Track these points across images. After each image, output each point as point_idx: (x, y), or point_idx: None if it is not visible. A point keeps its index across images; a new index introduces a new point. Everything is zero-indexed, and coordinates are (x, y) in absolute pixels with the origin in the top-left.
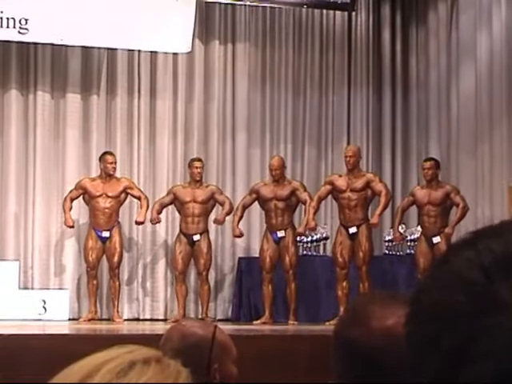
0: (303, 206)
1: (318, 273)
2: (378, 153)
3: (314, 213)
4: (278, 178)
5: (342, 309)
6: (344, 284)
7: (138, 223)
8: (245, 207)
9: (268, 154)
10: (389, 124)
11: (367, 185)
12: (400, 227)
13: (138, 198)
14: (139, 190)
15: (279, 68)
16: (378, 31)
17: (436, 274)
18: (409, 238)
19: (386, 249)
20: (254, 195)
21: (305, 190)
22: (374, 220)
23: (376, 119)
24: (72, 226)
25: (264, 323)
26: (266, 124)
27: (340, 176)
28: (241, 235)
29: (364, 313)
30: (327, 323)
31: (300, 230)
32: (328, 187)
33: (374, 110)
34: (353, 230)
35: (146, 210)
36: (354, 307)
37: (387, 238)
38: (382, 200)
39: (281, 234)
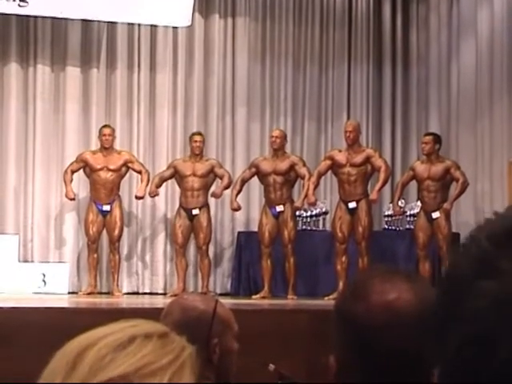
0: (302, 181)
1: (316, 247)
2: (378, 128)
3: (314, 188)
4: (278, 147)
5: (340, 283)
6: (343, 259)
7: (137, 198)
8: (244, 181)
9: (268, 129)
10: (389, 99)
11: (367, 160)
12: (400, 202)
13: (139, 172)
14: (140, 164)
15: (279, 42)
16: (379, 6)
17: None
18: (408, 212)
19: (386, 224)
20: (253, 169)
21: (304, 165)
22: (373, 196)
23: (376, 94)
24: (73, 199)
25: (263, 298)
26: (266, 98)
27: (340, 151)
28: (238, 208)
29: (364, 287)
30: (326, 298)
31: (297, 203)
32: (328, 162)
33: (374, 86)
34: (352, 205)
35: (146, 185)
36: (354, 282)
37: (387, 213)
38: (382, 176)
39: (279, 208)
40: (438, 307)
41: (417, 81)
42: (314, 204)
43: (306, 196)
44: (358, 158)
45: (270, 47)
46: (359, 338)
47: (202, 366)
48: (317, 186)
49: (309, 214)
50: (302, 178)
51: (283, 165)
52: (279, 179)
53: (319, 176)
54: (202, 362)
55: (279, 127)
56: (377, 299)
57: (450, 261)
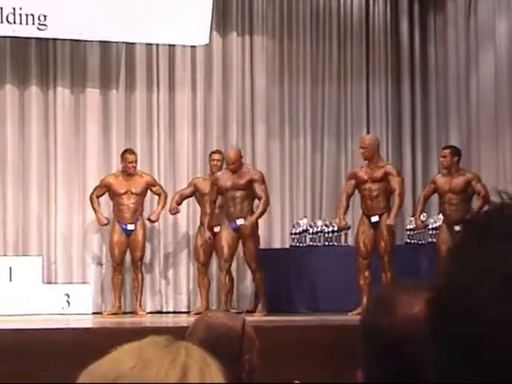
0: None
1: (339, 263)
2: (398, 142)
3: (345, 212)
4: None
5: (364, 299)
6: (366, 274)
7: (150, 221)
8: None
9: (287, 146)
10: (408, 114)
11: (386, 176)
12: (421, 216)
13: (158, 195)
14: (160, 187)
15: (297, 59)
16: (396, 20)
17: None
18: (430, 226)
19: (408, 237)
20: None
21: (262, 183)
22: (390, 221)
23: (395, 109)
24: (106, 224)
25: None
26: (285, 116)
27: (361, 167)
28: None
29: (390, 301)
30: (350, 313)
31: (338, 223)
32: (352, 182)
33: (393, 100)
34: (375, 218)
35: (162, 209)
36: (379, 296)
37: (409, 227)
38: (396, 201)
39: (240, 221)
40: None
41: (436, 94)
42: (344, 227)
43: (338, 220)
44: (378, 174)
45: (288, 64)
46: (386, 352)
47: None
48: (347, 208)
49: (330, 229)
50: (259, 198)
51: (241, 180)
52: (238, 194)
53: (348, 198)
54: (229, 379)
55: (299, 144)
56: (402, 312)
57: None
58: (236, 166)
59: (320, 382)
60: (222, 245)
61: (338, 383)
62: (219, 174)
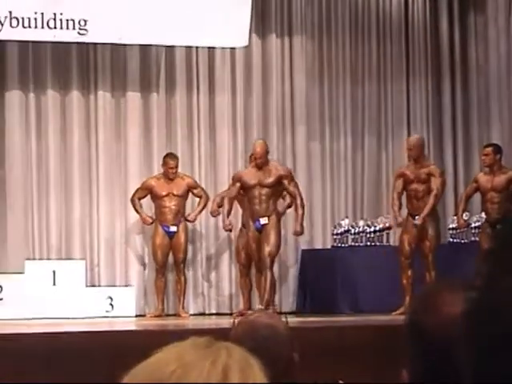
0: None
1: (380, 263)
2: (439, 141)
3: (398, 210)
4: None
5: (407, 298)
6: (409, 273)
7: (188, 221)
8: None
9: (328, 146)
10: (449, 112)
11: (429, 176)
12: (464, 215)
13: (199, 197)
14: (202, 189)
15: (337, 59)
16: (436, 18)
17: (495, 262)
18: (473, 225)
19: (450, 237)
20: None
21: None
22: (418, 221)
23: (436, 108)
24: (152, 223)
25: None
26: (325, 116)
27: (408, 166)
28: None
29: (436, 300)
30: (393, 313)
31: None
32: (401, 181)
33: (433, 99)
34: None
35: (201, 210)
36: (424, 295)
37: (451, 226)
38: (430, 201)
39: (264, 220)
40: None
41: (477, 92)
42: (401, 225)
43: (394, 218)
44: (423, 174)
45: (328, 64)
46: (431, 351)
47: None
48: (400, 206)
49: (372, 229)
50: (292, 196)
51: (268, 178)
52: (264, 191)
53: (399, 196)
54: (271, 378)
55: (339, 145)
56: (447, 311)
57: None
58: (262, 161)
59: (364, 382)
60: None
61: (383, 383)
62: (243, 171)
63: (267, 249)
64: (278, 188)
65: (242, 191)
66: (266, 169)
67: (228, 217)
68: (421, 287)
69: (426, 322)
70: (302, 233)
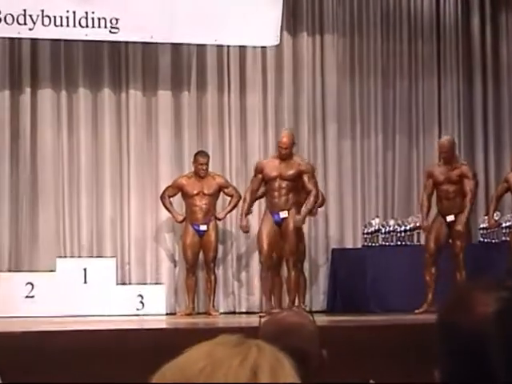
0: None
1: (409, 262)
2: (470, 140)
3: (427, 212)
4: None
5: (429, 295)
6: (432, 270)
7: (218, 219)
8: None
9: (358, 145)
10: (480, 111)
11: (461, 177)
12: (495, 214)
13: (231, 196)
14: (233, 188)
15: (368, 58)
16: (467, 17)
17: None
18: (504, 224)
19: (481, 236)
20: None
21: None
22: (459, 227)
23: (467, 106)
24: (183, 220)
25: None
26: (356, 115)
27: (438, 165)
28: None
29: (468, 299)
30: (416, 311)
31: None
32: (431, 181)
33: (464, 97)
34: (450, 218)
35: (232, 209)
36: (457, 294)
37: (482, 226)
38: (467, 205)
39: (283, 214)
40: None
41: (508, 91)
42: (427, 228)
43: (422, 223)
44: (454, 175)
45: (359, 63)
46: (464, 350)
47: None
48: (429, 208)
49: (403, 228)
50: (308, 192)
51: (289, 170)
52: (284, 184)
53: (429, 197)
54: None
55: (370, 143)
56: (481, 311)
57: None
58: (288, 153)
59: (395, 382)
60: (262, 240)
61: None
62: (265, 161)
63: (287, 247)
64: (298, 182)
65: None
66: (288, 161)
67: (246, 215)
68: (448, 286)
69: (458, 321)
70: (300, 225)
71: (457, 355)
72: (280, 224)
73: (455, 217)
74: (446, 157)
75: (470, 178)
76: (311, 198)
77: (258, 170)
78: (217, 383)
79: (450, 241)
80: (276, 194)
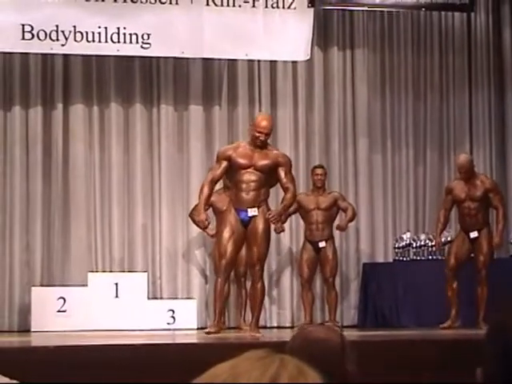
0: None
1: (437, 276)
2: (502, 154)
3: (443, 229)
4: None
5: (453, 311)
6: (454, 286)
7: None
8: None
9: (389, 159)
10: None
11: (486, 193)
12: None
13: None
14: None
15: (398, 72)
16: (499, 31)
17: None
18: None
19: None
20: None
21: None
22: (496, 240)
23: (498, 120)
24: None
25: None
26: (387, 129)
27: (458, 181)
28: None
29: None
30: (440, 326)
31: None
32: (450, 197)
33: (496, 111)
34: (474, 234)
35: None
36: (508, 295)
37: None
38: (501, 221)
39: (253, 212)
40: None
41: None
42: (439, 246)
43: (435, 239)
44: (477, 192)
45: (390, 77)
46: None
47: None
48: (445, 224)
49: (434, 243)
50: (285, 188)
51: (263, 160)
52: (254, 177)
53: (446, 213)
54: None
55: (401, 157)
56: None
57: None
58: (266, 140)
59: None
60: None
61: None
62: (231, 146)
63: (255, 252)
64: (272, 176)
65: (230, 173)
66: (262, 150)
67: (206, 206)
68: (471, 301)
69: (507, 323)
70: (275, 223)
71: (504, 356)
72: (246, 223)
73: (478, 232)
74: (466, 176)
75: (497, 193)
76: (288, 195)
77: (223, 157)
78: None
79: (473, 255)
80: (314, 226)
